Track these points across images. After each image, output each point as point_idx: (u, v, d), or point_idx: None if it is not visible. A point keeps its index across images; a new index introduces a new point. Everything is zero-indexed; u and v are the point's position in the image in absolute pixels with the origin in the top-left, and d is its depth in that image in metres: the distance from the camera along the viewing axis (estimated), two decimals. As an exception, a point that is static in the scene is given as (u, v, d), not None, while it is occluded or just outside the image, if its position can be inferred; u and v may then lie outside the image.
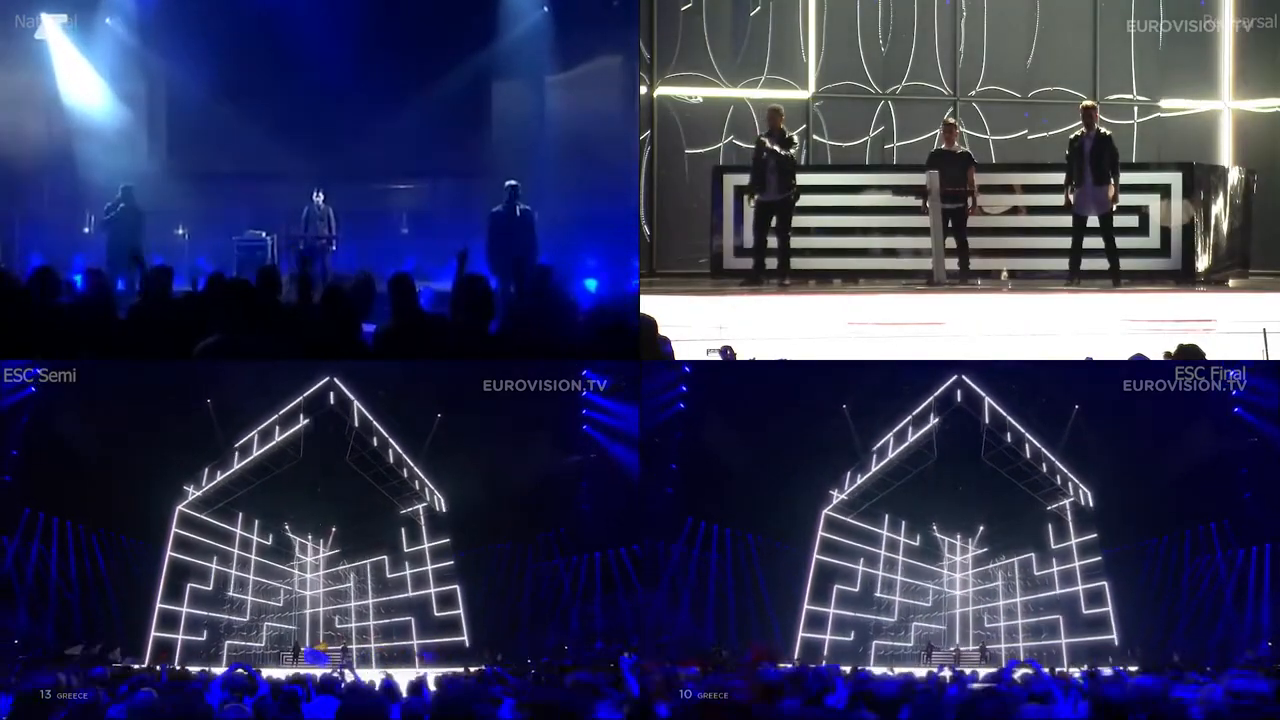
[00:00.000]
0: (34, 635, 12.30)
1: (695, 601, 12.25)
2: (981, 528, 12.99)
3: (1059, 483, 12.74)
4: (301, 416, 13.10)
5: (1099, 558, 12.60)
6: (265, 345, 11.17)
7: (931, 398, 12.65)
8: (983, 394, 12.54)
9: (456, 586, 13.09)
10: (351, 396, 12.96)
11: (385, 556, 13.43)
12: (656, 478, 12.05)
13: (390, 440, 13.19)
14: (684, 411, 12.19)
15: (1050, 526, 12.89)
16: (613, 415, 11.69)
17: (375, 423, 13.15)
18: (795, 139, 18.65)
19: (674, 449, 12.21)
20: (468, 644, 12.90)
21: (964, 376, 12.54)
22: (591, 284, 17.49)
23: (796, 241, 18.69)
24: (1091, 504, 12.62)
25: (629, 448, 11.58)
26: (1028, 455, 12.72)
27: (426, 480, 13.19)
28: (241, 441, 13.08)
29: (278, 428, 13.08)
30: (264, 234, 20.46)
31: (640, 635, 11.66)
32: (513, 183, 18.85)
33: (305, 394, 12.97)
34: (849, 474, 12.92)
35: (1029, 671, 9.59)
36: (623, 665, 9.94)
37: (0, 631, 12.15)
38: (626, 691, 9.50)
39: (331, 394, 12.98)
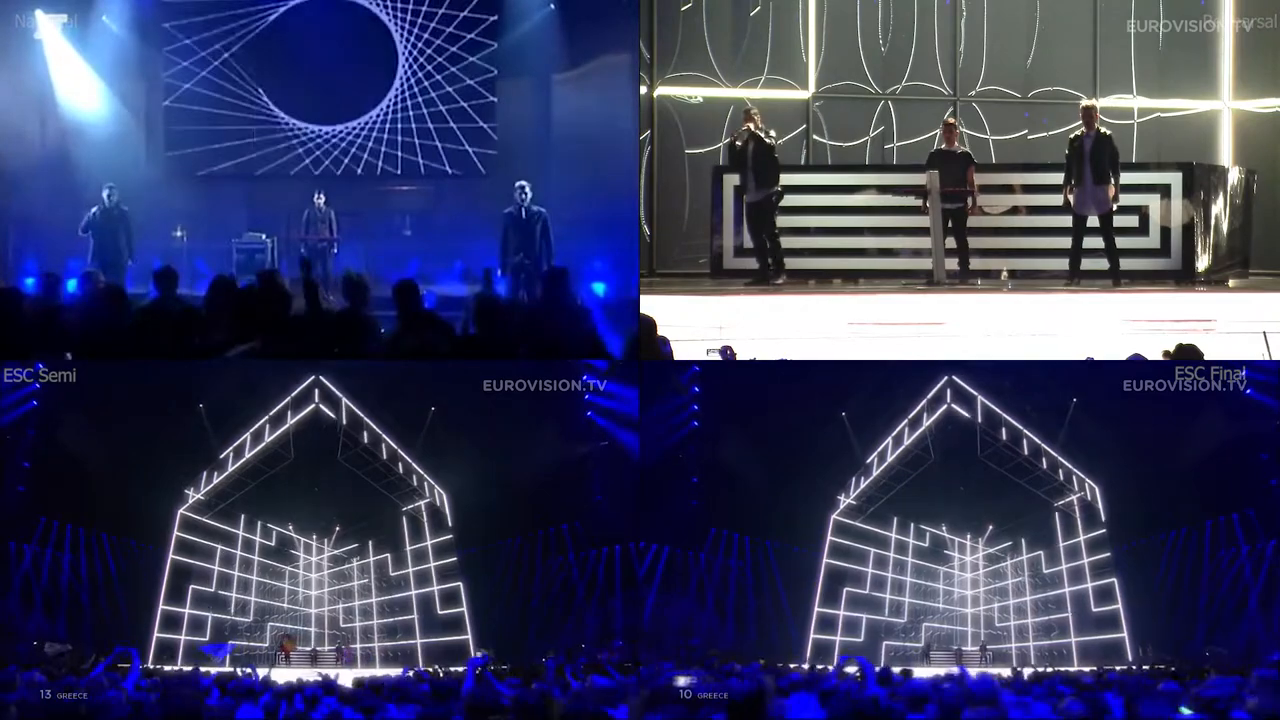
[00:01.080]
0: (50, 637, 12.35)
1: (718, 604, 12.34)
2: (987, 527, 13.01)
3: (1061, 478, 12.73)
4: (289, 415, 13.12)
5: (1108, 554, 12.57)
6: (295, 348, 11.13)
7: (924, 400, 12.67)
8: (975, 393, 12.55)
9: (460, 584, 13.10)
10: (341, 395, 12.97)
11: (388, 554, 13.44)
12: (680, 492, 12.17)
13: (384, 437, 13.20)
14: (698, 428, 12.30)
15: (1057, 524, 12.88)
16: (616, 399, 11.69)
17: (370, 421, 13.16)
18: (774, 133, 18.59)
19: (692, 464, 12.31)
20: (472, 642, 12.91)
21: (955, 377, 12.55)
22: (600, 287, 17.43)
23: (797, 241, 18.67)
24: (1099, 500, 12.61)
25: (635, 432, 11.60)
26: (1025, 452, 12.72)
27: (426, 476, 13.19)
28: (235, 444, 13.11)
29: (268, 428, 13.11)
30: (264, 236, 20.37)
31: (636, 635, 11.67)
32: (523, 183, 18.77)
33: (293, 394, 12.99)
34: (854, 479, 12.97)
35: (856, 670, 9.52)
36: (469, 665, 9.80)
37: (20, 633, 12.20)
38: (459, 693, 9.18)
39: (319, 392, 12.99)
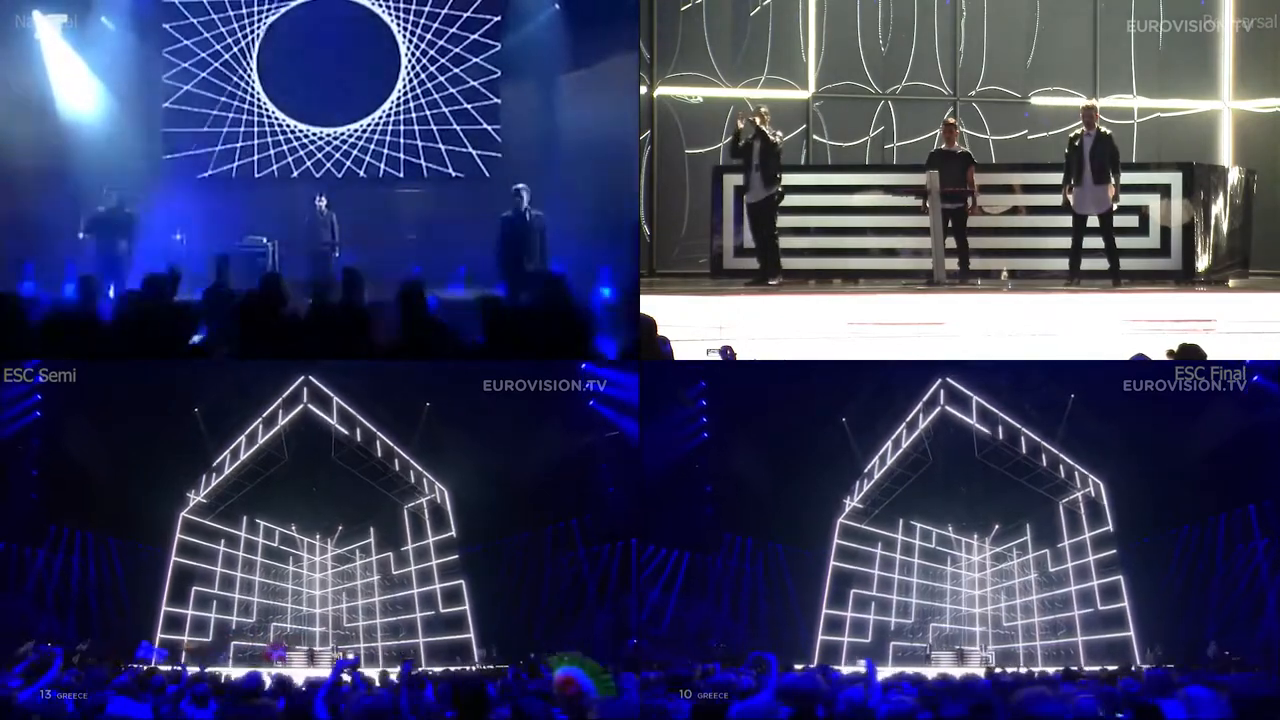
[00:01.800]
0: (60, 639, 12.38)
1: (732, 608, 12.39)
2: (992, 526, 13.01)
3: (1064, 475, 12.73)
4: (281, 416, 13.14)
5: (1114, 551, 12.56)
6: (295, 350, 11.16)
7: (921, 401, 12.69)
8: (972, 394, 12.56)
9: (462, 582, 13.10)
10: (332, 394, 12.98)
11: (390, 553, 13.45)
12: (695, 501, 12.20)
13: (377, 434, 13.20)
14: (708, 438, 12.33)
15: (1062, 522, 12.88)
16: (620, 388, 11.66)
17: (362, 419, 13.17)
18: (780, 134, 18.62)
19: (705, 473, 12.34)
20: (475, 641, 12.91)
21: (950, 379, 12.55)
22: (606, 291, 17.41)
23: (797, 241, 18.70)
24: (1104, 496, 12.59)
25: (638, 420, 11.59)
26: (1024, 451, 12.73)
27: (425, 473, 13.19)
28: (231, 446, 13.14)
29: (261, 429, 13.13)
30: (264, 240, 20.33)
31: (640, 632, 11.67)
32: (520, 186, 18.73)
33: (284, 395, 13.00)
34: (857, 482, 12.99)
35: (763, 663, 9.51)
36: (336, 667, 9.76)
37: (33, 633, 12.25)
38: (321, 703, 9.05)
39: (308, 391, 13.00)
